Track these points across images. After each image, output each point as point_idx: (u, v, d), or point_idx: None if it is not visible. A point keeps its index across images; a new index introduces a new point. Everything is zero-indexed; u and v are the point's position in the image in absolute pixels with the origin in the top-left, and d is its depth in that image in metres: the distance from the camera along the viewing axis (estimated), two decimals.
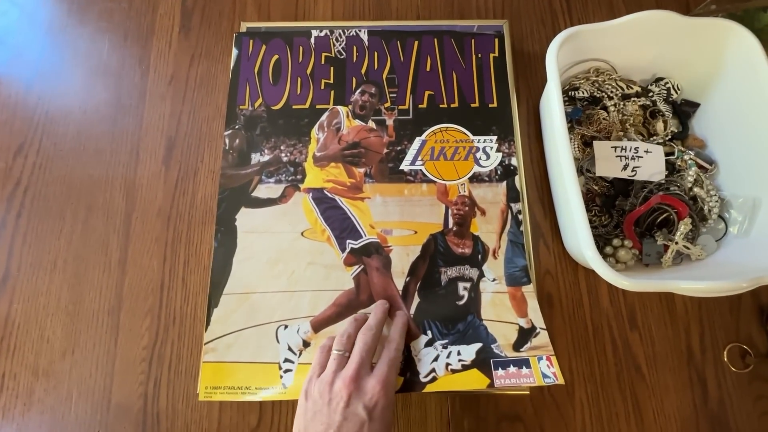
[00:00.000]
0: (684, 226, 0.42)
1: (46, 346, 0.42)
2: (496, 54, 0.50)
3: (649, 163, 0.44)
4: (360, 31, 0.51)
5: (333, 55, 0.50)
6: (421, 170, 0.47)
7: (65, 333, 0.43)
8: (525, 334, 0.41)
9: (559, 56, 0.40)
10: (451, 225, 0.45)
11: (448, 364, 0.40)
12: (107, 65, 0.51)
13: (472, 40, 0.50)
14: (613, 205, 0.45)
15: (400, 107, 0.49)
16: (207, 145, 0.48)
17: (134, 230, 0.45)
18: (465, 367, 0.40)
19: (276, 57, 0.50)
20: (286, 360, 0.40)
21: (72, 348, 0.42)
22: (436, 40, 0.51)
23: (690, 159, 0.44)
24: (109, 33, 0.52)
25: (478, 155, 0.47)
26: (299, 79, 0.49)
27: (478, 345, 0.41)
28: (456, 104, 0.49)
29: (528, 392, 0.41)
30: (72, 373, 0.42)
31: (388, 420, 0.34)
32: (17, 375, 0.42)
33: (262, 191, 0.46)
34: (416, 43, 0.50)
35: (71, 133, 0.48)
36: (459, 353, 0.40)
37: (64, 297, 0.44)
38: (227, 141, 0.47)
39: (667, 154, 0.45)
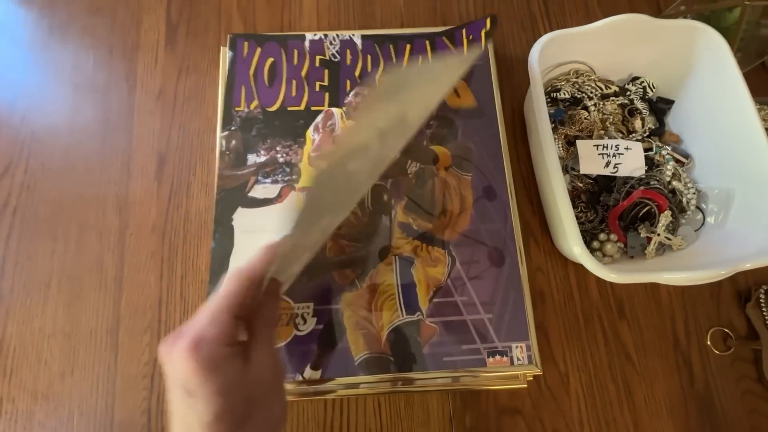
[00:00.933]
0: (665, 219, 0.44)
1: (44, 368, 0.42)
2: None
3: (630, 160, 0.46)
4: (353, 35, 0.52)
5: (327, 59, 0.51)
6: None
7: (63, 354, 0.42)
8: None
9: (540, 60, 0.41)
10: None
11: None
12: (93, 82, 0.50)
13: (463, 30, 0.51)
14: (598, 200, 0.46)
15: None
16: (199, 159, 0.48)
17: (129, 247, 0.45)
18: None
19: (271, 60, 0.50)
20: None
21: (71, 368, 0.42)
22: (428, 42, 0.52)
23: (667, 154, 0.47)
24: (93, 49, 0.51)
25: None
26: (294, 82, 0.50)
27: None
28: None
29: (525, 386, 0.42)
30: (72, 394, 0.41)
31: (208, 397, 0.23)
32: (15, 399, 0.41)
33: (259, 191, 0.46)
34: (408, 46, 0.52)
35: (59, 151, 0.48)
36: None
37: (60, 317, 0.43)
38: (224, 142, 0.47)
39: (645, 150, 0.47)
